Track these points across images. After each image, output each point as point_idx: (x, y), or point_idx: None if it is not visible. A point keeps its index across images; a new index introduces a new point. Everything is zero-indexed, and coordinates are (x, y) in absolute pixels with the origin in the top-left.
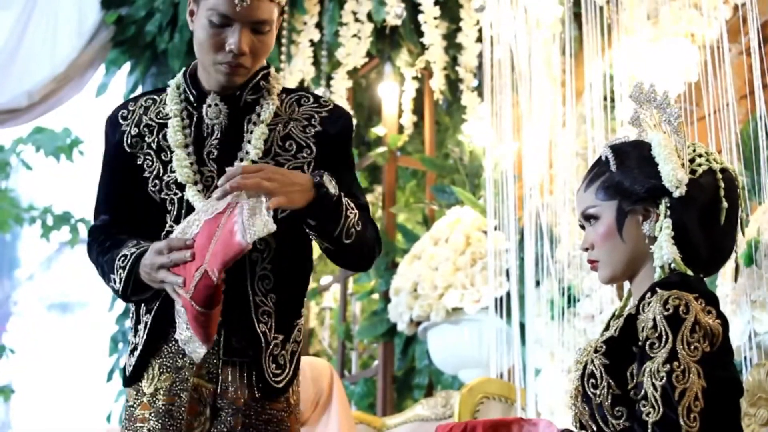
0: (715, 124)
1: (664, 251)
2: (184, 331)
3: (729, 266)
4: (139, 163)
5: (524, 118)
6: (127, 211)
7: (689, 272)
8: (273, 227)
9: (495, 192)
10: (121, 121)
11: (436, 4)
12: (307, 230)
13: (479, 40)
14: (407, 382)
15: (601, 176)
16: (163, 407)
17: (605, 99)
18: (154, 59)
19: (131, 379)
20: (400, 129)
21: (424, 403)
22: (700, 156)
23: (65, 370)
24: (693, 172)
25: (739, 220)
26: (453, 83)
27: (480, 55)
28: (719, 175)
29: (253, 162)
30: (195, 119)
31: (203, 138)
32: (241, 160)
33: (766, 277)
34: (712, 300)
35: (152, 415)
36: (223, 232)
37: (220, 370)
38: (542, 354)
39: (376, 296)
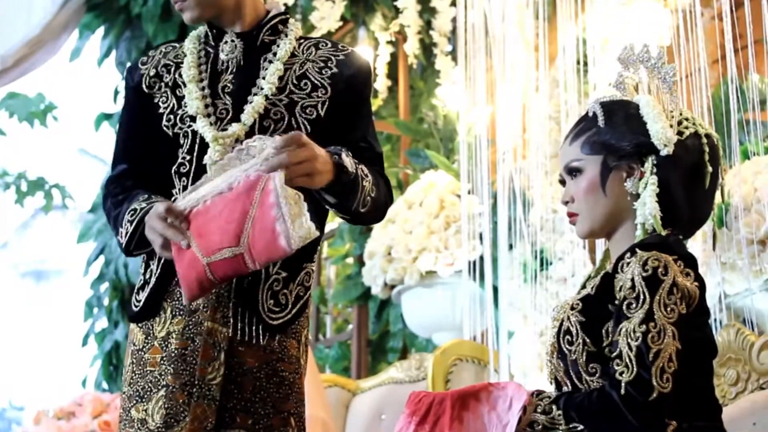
0: (687, 89)
1: (648, 207)
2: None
3: (700, 230)
4: (155, 101)
5: (498, 83)
6: (143, 155)
7: (664, 233)
8: (316, 233)
9: (469, 156)
10: (140, 66)
11: None
12: (324, 205)
13: (453, 4)
14: (381, 346)
15: (587, 131)
16: (176, 351)
17: (578, 63)
18: (128, 23)
19: (139, 316)
20: (375, 93)
21: (398, 366)
22: (686, 119)
23: (39, 336)
24: (680, 133)
25: (719, 187)
26: (427, 47)
27: (454, 20)
28: (704, 140)
29: (267, 97)
30: (212, 56)
31: (219, 74)
32: (255, 94)
33: (737, 239)
34: (690, 262)
35: (164, 359)
36: (262, 223)
37: (231, 313)
38: (515, 317)
39: (350, 260)
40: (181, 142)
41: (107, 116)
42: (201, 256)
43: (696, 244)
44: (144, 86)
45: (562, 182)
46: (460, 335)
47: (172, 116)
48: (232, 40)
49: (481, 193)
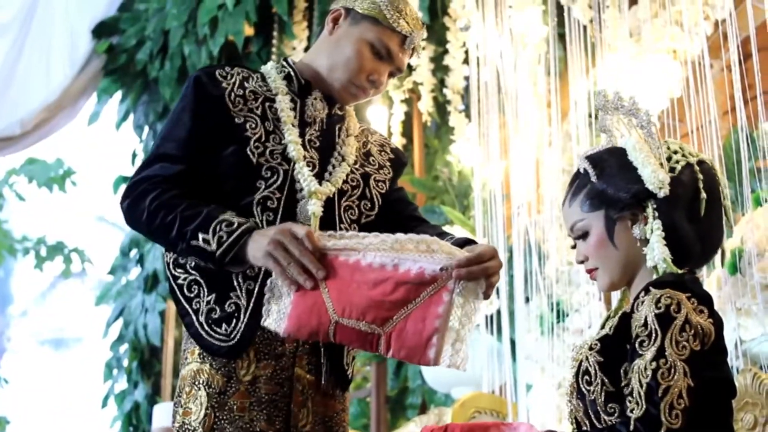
0: (698, 140)
1: (656, 252)
2: (273, 312)
3: (714, 275)
4: (238, 122)
5: (511, 138)
6: (202, 165)
7: (679, 271)
8: (465, 368)
9: (484, 211)
10: (220, 78)
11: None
12: None
13: (466, 61)
14: (401, 402)
15: (583, 188)
16: (266, 397)
17: (590, 116)
18: (145, 87)
19: (229, 354)
20: None
21: (417, 421)
22: (675, 153)
23: (60, 400)
24: (672, 170)
25: (723, 209)
26: (441, 105)
27: (467, 77)
28: (697, 168)
29: (349, 165)
30: (298, 105)
31: (304, 124)
32: (337, 159)
33: (751, 284)
34: (705, 300)
35: (254, 405)
36: (419, 325)
37: (322, 360)
38: (533, 369)
39: None
40: (266, 174)
41: (125, 179)
42: (332, 311)
43: (711, 290)
44: (228, 100)
45: (574, 246)
46: (478, 389)
47: (260, 145)
48: (322, 100)
49: (497, 248)
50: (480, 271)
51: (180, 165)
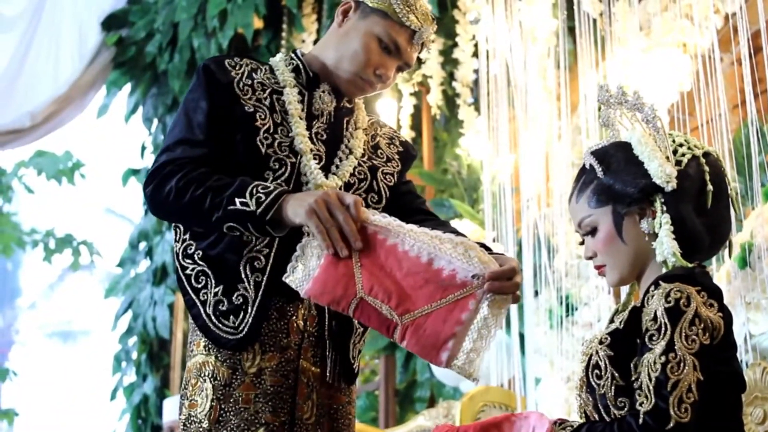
0: (708, 133)
1: (665, 246)
2: (299, 271)
3: (723, 269)
4: (248, 110)
5: (521, 132)
6: (220, 148)
7: (689, 265)
8: (477, 378)
9: (493, 204)
10: (229, 67)
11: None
12: None
13: (475, 55)
14: (409, 395)
15: (590, 184)
16: (272, 389)
17: (599, 110)
18: (154, 80)
19: (237, 346)
20: None
21: (425, 414)
22: (681, 146)
23: (68, 392)
24: (678, 163)
25: (730, 200)
26: (450, 98)
27: (476, 70)
28: (702, 160)
29: (356, 158)
30: (306, 97)
31: (311, 117)
32: (345, 153)
33: (760, 278)
34: (714, 293)
35: (259, 397)
36: (439, 326)
37: (327, 353)
38: (542, 363)
39: None
40: (274, 166)
41: (134, 172)
42: (360, 286)
43: (720, 285)
44: (237, 87)
45: (582, 242)
46: (487, 383)
47: (269, 136)
48: (330, 93)
49: (506, 241)
50: (511, 286)
51: (203, 148)
